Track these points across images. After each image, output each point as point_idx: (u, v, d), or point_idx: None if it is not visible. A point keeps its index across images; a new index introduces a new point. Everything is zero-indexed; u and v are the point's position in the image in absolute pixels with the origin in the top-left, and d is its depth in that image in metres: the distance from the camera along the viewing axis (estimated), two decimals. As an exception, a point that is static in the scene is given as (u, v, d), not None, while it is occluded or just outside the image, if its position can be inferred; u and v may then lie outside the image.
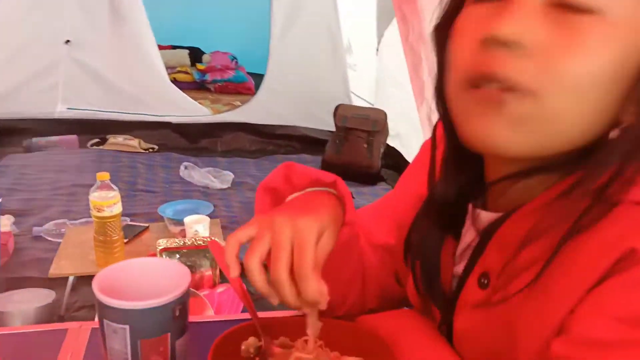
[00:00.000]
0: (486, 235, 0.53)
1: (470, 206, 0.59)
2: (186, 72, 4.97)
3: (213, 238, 1.99)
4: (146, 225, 2.30)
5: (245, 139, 3.96)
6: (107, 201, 1.94)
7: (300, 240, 0.54)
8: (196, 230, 2.04)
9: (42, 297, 1.96)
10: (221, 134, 3.95)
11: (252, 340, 0.63)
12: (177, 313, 0.59)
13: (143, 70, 3.73)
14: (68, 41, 3.54)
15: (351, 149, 3.48)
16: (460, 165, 0.58)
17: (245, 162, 3.70)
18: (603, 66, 0.43)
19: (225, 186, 3.25)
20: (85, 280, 2.04)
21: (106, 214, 1.93)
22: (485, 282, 0.53)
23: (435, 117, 0.58)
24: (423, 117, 2.51)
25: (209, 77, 4.96)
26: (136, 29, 3.58)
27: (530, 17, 0.44)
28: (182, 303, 0.60)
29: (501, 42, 0.44)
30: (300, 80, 3.89)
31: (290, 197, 0.66)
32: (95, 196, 1.94)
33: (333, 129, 3.59)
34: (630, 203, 0.44)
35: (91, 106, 3.70)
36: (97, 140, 3.63)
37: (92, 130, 3.66)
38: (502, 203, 0.54)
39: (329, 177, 0.65)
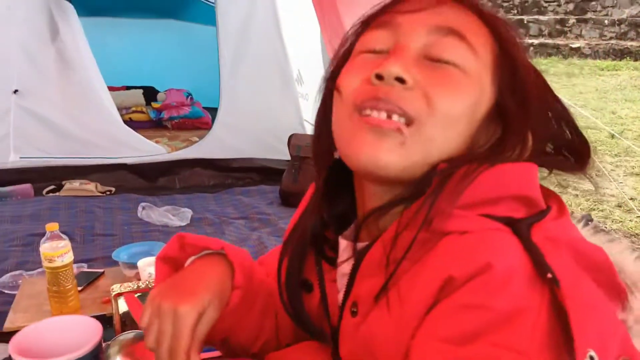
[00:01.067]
0: (356, 264, 0.59)
1: (339, 238, 0.65)
2: (142, 112, 5.01)
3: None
4: (101, 271, 2.31)
5: (203, 175, 4.01)
6: (57, 251, 1.96)
7: (176, 330, 0.61)
8: (150, 273, 2.06)
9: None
10: (179, 171, 3.98)
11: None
12: (91, 366, 0.64)
13: (94, 114, 3.76)
14: (16, 91, 3.55)
15: (306, 177, 3.55)
16: (330, 199, 0.65)
17: (205, 197, 3.74)
18: (465, 104, 0.54)
19: (184, 223, 3.28)
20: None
21: (57, 263, 1.95)
22: (355, 310, 0.59)
23: None
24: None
25: (165, 114, 5.01)
26: (84, 74, 3.62)
27: (410, 62, 0.55)
28: (95, 355, 0.65)
29: (387, 77, 0.54)
30: (253, 112, 3.96)
31: (187, 262, 0.72)
32: (46, 247, 1.96)
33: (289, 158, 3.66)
34: (456, 233, 0.51)
35: (44, 153, 3.70)
36: (52, 187, 3.63)
37: (48, 177, 3.66)
38: (372, 233, 0.60)
39: (217, 244, 0.72)
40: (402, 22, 0.56)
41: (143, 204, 3.37)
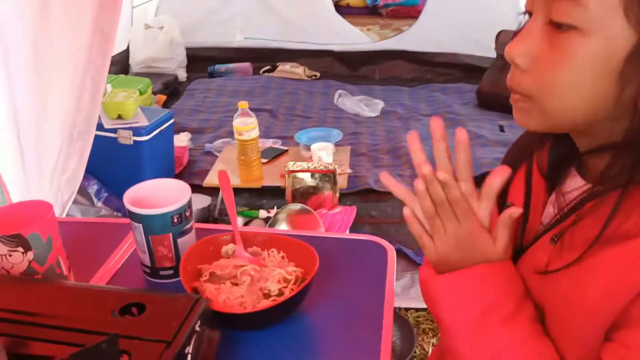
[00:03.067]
0: (581, 202, 0.58)
1: (573, 169, 0.64)
2: (359, -3, 5.10)
3: (333, 165, 2.21)
4: (285, 148, 2.60)
5: (403, 67, 4.03)
6: (246, 126, 2.26)
7: None
8: (320, 157, 2.28)
9: (200, 201, 2.41)
10: (380, 61, 4.07)
11: (231, 245, 0.84)
12: (176, 220, 0.83)
13: (311, 1, 3.98)
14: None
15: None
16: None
17: (400, 91, 3.80)
18: (581, 71, 0.54)
19: (374, 114, 3.42)
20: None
21: (245, 137, 2.26)
22: (556, 239, 0.61)
23: None
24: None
25: (380, 1, 5.03)
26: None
27: (533, 36, 0.57)
28: (180, 214, 0.83)
29: (511, 62, 0.59)
30: (464, 2, 3.77)
31: None
32: (237, 122, 2.27)
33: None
34: None
35: (264, 36, 4.07)
36: (268, 67, 4.02)
37: (265, 58, 4.06)
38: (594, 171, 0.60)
39: None
40: None
41: (340, 91, 3.57)
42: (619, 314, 0.53)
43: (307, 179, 2.17)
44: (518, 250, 0.67)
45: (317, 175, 2.18)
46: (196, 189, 2.51)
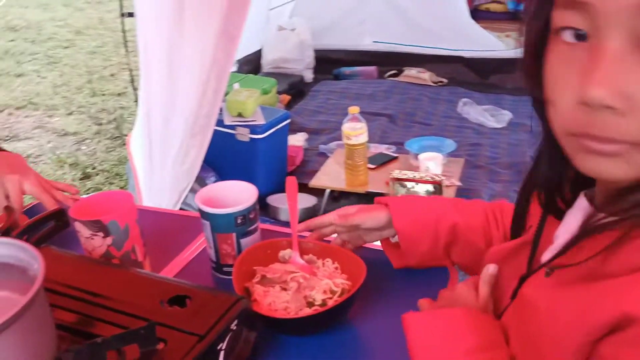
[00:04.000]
0: (584, 233, 0.52)
1: (582, 194, 0.59)
2: (499, 2, 4.89)
3: (439, 176, 2.16)
4: (395, 155, 2.59)
5: (538, 77, 3.81)
6: (355, 131, 2.29)
7: None
8: (428, 167, 2.23)
9: (306, 201, 2.48)
10: (514, 70, 3.86)
11: (288, 250, 0.87)
12: (239, 221, 0.87)
13: (444, 5, 3.90)
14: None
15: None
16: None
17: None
18: None
19: (499, 125, 3.28)
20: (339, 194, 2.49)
21: (353, 142, 2.29)
22: (550, 272, 0.56)
23: None
24: None
25: (523, 6, 4.79)
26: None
27: (615, 69, 0.45)
28: (244, 215, 0.87)
29: (596, 107, 0.47)
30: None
31: None
32: (347, 126, 2.30)
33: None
34: None
35: (393, 40, 4.07)
36: (393, 71, 4.02)
37: (391, 62, 4.05)
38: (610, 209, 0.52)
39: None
40: (595, 2, 0.45)
41: (464, 99, 3.47)
42: (587, 351, 0.49)
43: (411, 188, 2.14)
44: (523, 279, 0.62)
45: (421, 185, 2.15)
46: (303, 188, 2.58)
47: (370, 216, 0.86)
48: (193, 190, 2.33)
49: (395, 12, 4.03)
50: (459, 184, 2.36)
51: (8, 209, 0.91)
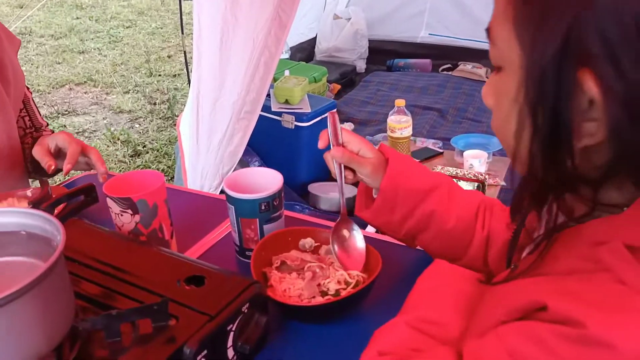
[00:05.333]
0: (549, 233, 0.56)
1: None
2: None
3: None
4: (441, 151, 2.55)
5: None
6: (400, 124, 2.27)
7: None
8: (471, 164, 2.19)
9: (349, 191, 2.48)
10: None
11: (309, 239, 0.88)
12: (263, 207, 0.89)
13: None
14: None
15: None
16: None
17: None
18: (506, 109, 0.54)
19: (552, 126, 3.17)
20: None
21: (397, 135, 2.27)
22: (514, 267, 0.60)
23: None
24: None
25: None
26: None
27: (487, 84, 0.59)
28: (268, 202, 0.89)
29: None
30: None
31: None
32: (392, 119, 2.29)
33: None
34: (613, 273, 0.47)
35: (450, 33, 3.99)
36: (448, 66, 3.94)
37: (446, 55, 3.98)
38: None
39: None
40: None
41: (518, 97, 3.37)
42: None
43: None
44: None
45: (463, 182, 2.11)
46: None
47: (367, 166, 0.82)
48: (236, 174, 2.37)
49: (454, 5, 3.94)
50: (502, 183, 2.31)
51: (42, 182, 0.95)
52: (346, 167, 0.84)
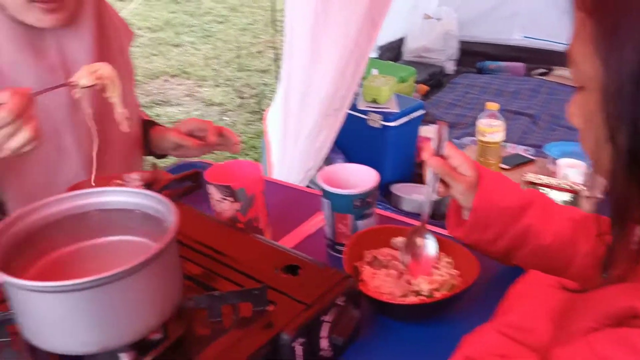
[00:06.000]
0: None
1: None
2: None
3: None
4: (532, 158, 2.45)
5: None
6: (491, 128, 2.21)
7: None
8: (566, 174, 2.10)
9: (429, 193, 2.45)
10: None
11: (400, 238, 0.88)
12: (358, 203, 0.89)
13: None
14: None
15: None
16: None
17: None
18: (593, 128, 0.54)
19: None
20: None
21: (487, 139, 2.21)
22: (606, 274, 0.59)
23: None
24: None
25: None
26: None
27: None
28: (361, 199, 0.89)
29: None
30: None
31: None
32: (482, 122, 2.23)
33: None
34: None
35: (546, 36, 3.83)
36: (542, 70, 3.79)
37: (541, 60, 3.82)
38: None
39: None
40: None
41: (618, 105, 3.19)
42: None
43: (546, 194, 2.03)
44: None
45: (557, 192, 2.03)
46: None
47: (461, 184, 0.82)
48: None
49: (551, 7, 3.78)
50: (600, 196, 2.19)
51: (154, 165, 1.01)
52: (440, 180, 0.84)
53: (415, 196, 2.45)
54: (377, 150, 2.49)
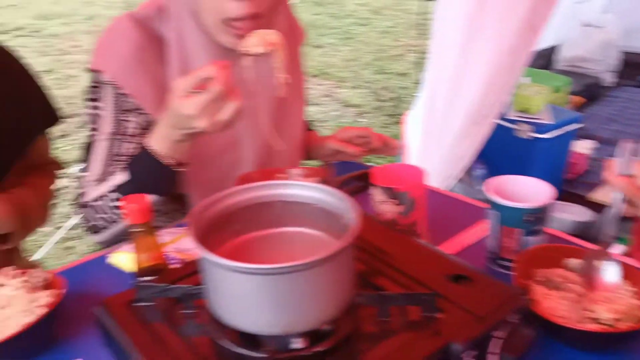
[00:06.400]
0: None
1: None
2: None
3: None
4: None
5: None
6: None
7: None
8: None
9: (581, 214, 2.29)
10: None
11: (573, 260, 0.82)
12: (530, 218, 0.85)
13: None
14: None
15: None
16: None
17: None
18: None
19: None
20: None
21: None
22: None
23: None
24: None
25: None
26: None
27: None
28: (532, 214, 0.84)
29: None
30: None
31: None
32: None
33: None
34: None
35: None
36: None
37: None
38: None
39: None
40: None
41: None
42: None
43: None
44: None
45: None
46: (580, 200, 2.38)
47: None
48: (460, 180, 2.33)
49: None
50: None
51: (328, 164, 1.04)
52: (627, 201, 0.80)
53: (564, 215, 2.30)
54: (524, 163, 2.37)
